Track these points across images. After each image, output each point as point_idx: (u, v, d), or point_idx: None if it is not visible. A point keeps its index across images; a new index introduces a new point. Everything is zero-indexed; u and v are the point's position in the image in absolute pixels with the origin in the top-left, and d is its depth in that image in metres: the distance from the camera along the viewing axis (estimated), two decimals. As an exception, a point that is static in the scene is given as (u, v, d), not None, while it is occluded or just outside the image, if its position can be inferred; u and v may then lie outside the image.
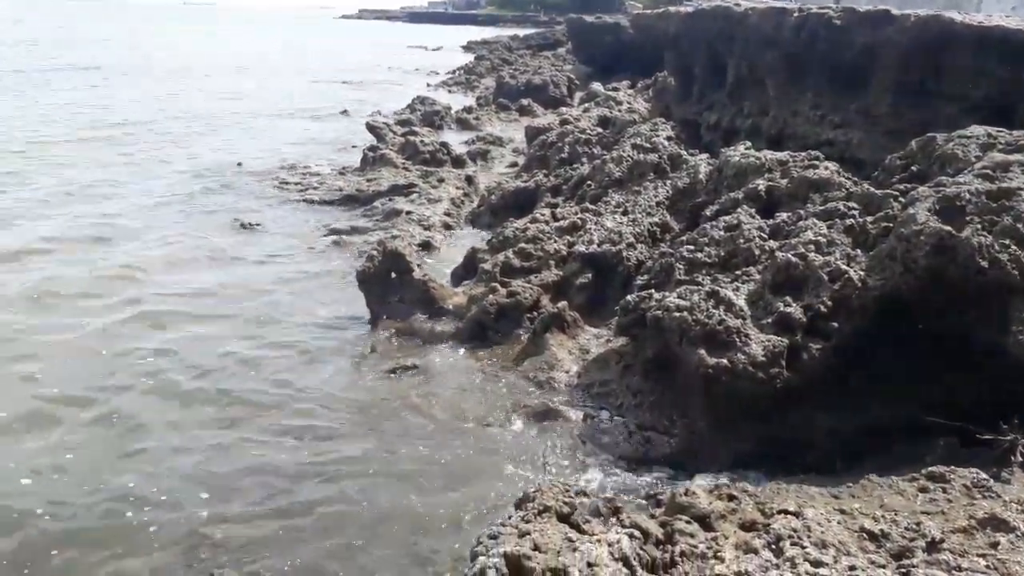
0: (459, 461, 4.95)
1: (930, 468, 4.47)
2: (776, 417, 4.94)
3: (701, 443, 5.06)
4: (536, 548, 3.13)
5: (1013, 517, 3.81)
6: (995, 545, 3.62)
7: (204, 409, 5.65)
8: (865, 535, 3.75)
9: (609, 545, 3.13)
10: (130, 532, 4.28)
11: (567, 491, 3.73)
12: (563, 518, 3.58)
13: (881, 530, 3.76)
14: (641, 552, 3.21)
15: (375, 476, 4.81)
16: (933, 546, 3.56)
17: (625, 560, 3.08)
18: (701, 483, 4.20)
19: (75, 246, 9.42)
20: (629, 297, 5.82)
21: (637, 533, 3.30)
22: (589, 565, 2.96)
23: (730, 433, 5.00)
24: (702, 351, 4.91)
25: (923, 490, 4.41)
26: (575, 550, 3.07)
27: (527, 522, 3.50)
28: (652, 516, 3.97)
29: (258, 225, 10.65)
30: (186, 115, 20.20)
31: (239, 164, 14.48)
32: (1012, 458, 4.45)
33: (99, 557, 4.08)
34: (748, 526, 3.85)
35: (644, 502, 4.40)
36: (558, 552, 3.08)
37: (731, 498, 4.09)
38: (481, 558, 3.06)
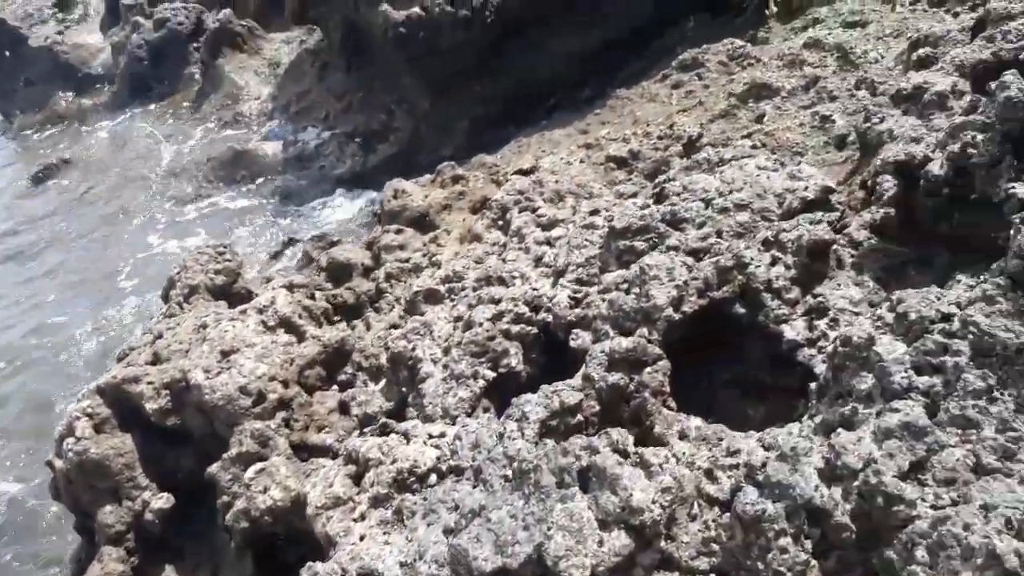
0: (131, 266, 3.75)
1: (681, 57, 3.68)
2: (503, 61, 3.93)
3: (428, 125, 4.04)
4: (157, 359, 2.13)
5: (775, 77, 3.11)
6: (760, 118, 2.93)
7: None
8: (613, 164, 2.97)
9: (260, 311, 2.16)
10: None
11: (221, 255, 2.67)
12: (219, 293, 2.57)
13: (630, 150, 2.98)
14: (313, 304, 2.27)
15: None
16: (691, 146, 2.82)
17: (288, 325, 2.14)
18: (420, 178, 3.25)
19: None
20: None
21: (300, 280, 2.34)
22: (223, 354, 2.00)
23: (456, 102, 3.99)
24: (384, 6, 3.69)
25: (677, 86, 3.65)
26: (205, 340, 2.08)
27: (162, 319, 2.47)
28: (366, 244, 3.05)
29: None
30: None
31: None
32: (766, 10, 3.69)
33: None
34: (479, 206, 3.00)
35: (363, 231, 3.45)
36: (186, 351, 2.09)
37: (457, 179, 3.17)
38: (72, 407, 2.05)
